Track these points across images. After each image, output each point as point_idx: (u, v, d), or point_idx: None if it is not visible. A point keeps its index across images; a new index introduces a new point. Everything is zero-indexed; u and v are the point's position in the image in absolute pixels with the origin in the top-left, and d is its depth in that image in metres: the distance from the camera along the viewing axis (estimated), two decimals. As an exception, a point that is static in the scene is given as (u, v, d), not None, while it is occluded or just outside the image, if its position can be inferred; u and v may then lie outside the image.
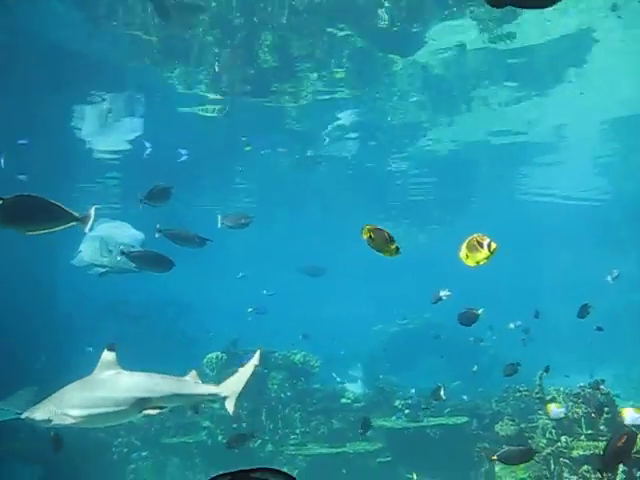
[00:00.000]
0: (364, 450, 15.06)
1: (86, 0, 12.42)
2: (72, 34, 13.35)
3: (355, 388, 17.64)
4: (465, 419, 15.62)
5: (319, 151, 22.35)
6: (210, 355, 17.45)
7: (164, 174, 20.41)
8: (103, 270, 13.54)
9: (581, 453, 11.28)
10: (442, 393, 12.36)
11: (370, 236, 6.62)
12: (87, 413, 7.11)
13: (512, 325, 16.58)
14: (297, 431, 16.12)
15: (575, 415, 12.05)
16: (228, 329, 21.64)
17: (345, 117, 19.59)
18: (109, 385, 7.28)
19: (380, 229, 6.64)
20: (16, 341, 16.86)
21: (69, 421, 7.07)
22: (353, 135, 21.24)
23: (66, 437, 15.12)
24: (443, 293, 12.40)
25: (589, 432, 11.81)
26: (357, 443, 15.39)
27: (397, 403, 16.15)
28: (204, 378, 16.79)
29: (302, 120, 19.51)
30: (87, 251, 13.44)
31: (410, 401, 16.15)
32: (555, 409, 11.12)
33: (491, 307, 30.73)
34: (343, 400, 16.65)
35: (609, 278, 17.23)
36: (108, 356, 7.49)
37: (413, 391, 16.72)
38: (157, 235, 11.60)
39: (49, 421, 7.05)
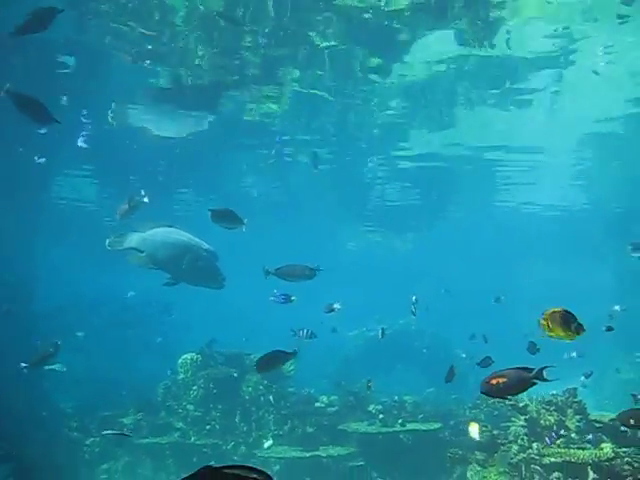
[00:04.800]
0: (337, 454, 15.05)
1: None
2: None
3: (329, 392, 17.62)
4: (438, 425, 15.67)
5: (298, 155, 22.43)
6: (185, 356, 17.41)
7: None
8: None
9: (552, 460, 11.35)
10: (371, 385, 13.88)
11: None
12: None
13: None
14: (270, 434, 16.11)
15: (547, 422, 12.15)
16: (206, 330, 21.64)
17: (325, 121, 19.69)
18: None
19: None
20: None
21: None
22: (332, 140, 21.35)
23: (37, 435, 15.08)
24: (335, 305, 12.59)
25: (561, 440, 11.91)
26: (330, 447, 15.41)
27: (371, 408, 16.18)
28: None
29: (283, 123, 19.60)
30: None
31: (382, 407, 16.18)
32: (473, 428, 11.47)
33: (468, 315, 30.92)
34: (317, 404, 16.67)
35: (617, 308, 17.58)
36: None
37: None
38: (267, 276, 11.38)
39: None
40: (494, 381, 6.53)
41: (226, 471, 2.03)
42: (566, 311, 6.82)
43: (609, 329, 13.56)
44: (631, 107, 19.00)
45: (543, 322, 6.90)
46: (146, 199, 12.71)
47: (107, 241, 12.30)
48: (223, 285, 13.18)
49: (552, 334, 6.94)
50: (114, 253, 12.45)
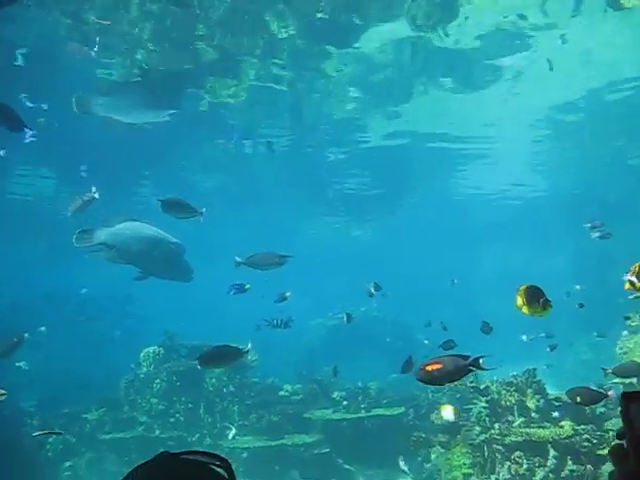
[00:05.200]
0: (302, 442, 15.11)
1: None
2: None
3: (293, 382, 17.66)
4: (402, 409, 15.83)
5: (257, 144, 22.37)
6: (147, 349, 17.31)
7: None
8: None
9: (513, 439, 11.55)
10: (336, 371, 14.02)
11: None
12: None
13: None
14: (235, 424, 16.10)
15: (508, 403, 12.34)
16: (168, 322, 21.51)
17: (282, 109, 19.67)
18: None
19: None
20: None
21: None
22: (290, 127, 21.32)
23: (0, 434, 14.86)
24: (287, 294, 12.80)
25: (521, 420, 12.11)
26: (295, 435, 15.46)
27: (335, 395, 16.27)
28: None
29: (241, 114, 19.52)
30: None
31: (346, 393, 16.27)
32: (447, 411, 11.47)
33: (428, 301, 31.17)
34: (281, 393, 16.70)
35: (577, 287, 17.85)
36: None
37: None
38: (237, 266, 11.42)
39: None
40: (429, 368, 6.52)
41: (185, 457, 2.02)
42: (534, 287, 6.91)
43: (581, 306, 13.91)
44: (586, 94, 19.34)
45: (517, 298, 7.00)
46: (96, 195, 12.64)
47: (74, 237, 12.19)
48: (191, 278, 13.32)
49: (524, 310, 7.02)
50: (73, 248, 12.34)
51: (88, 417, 16.61)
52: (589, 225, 15.16)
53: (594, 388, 9.32)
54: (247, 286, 12.48)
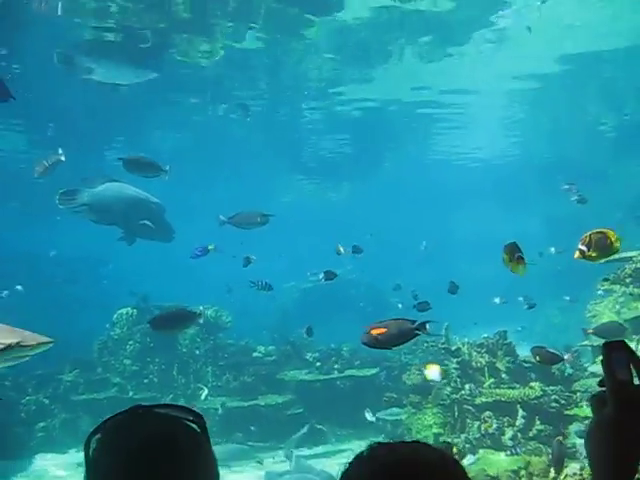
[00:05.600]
0: (275, 403, 15.26)
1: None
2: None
3: (267, 343, 17.75)
4: (374, 371, 16.01)
5: (232, 107, 22.14)
6: (120, 311, 17.27)
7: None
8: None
9: (484, 400, 11.74)
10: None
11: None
12: None
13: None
14: (209, 385, 16.19)
15: (478, 364, 12.51)
16: (141, 283, 21.45)
17: (258, 73, 19.49)
18: None
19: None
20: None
21: None
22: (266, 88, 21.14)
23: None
24: (252, 257, 13.18)
25: (491, 381, 12.30)
26: (268, 396, 15.59)
27: (308, 356, 16.39)
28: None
29: (217, 74, 19.28)
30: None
31: (320, 354, 16.40)
32: (433, 370, 11.41)
33: (403, 264, 31.31)
34: (255, 354, 16.77)
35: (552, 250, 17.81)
36: None
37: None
38: (222, 225, 11.71)
39: None
40: (375, 332, 6.54)
41: (158, 410, 2.01)
42: (514, 243, 7.00)
43: (531, 307, 14.21)
44: (561, 60, 19.36)
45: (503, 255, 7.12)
46: (63, 157, 12.56)
47: (57, 198, 12.17)
48: (173, 238, 13.46)
49: (507, 264, 7.11)
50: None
51: (62, 378, 16.60)
52: (567, 187, 15.20)
53: (552, 350, 9.63)
54: (210, 247, 12.56)
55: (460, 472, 1.77)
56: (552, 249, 17.45)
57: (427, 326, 6.50)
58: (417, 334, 6.51)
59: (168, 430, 1.92)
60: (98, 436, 1.93)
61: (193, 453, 1.90)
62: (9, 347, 5.76)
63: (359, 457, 1.80)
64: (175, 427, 1.94)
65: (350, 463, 1.80)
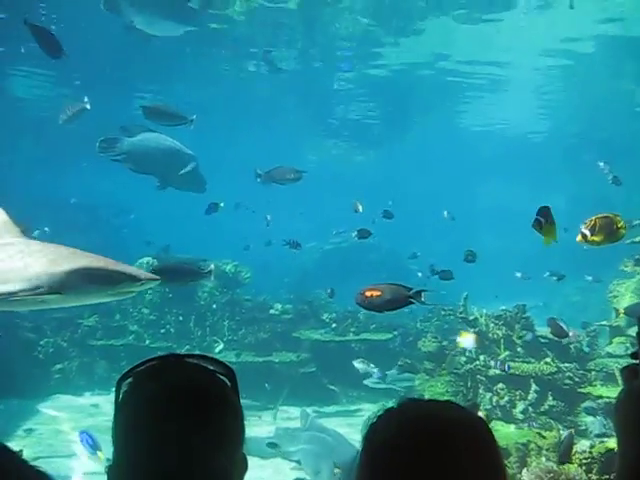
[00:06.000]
0: (289, 360, 15.37)
1: None
2: None
3: (284, 301, 17.80)
4: (389, 335, 16.07)
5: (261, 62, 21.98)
6: (141, 260, 17.36)
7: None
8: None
9: (497, 372, 11.75)
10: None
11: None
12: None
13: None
14: (224, 339, 16.32)
15: (495, 336, 12.51)
16: (164, 235, 21.55)
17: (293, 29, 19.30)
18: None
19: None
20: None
21: None
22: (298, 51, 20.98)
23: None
24: (269, 217, 13.10)
25: (507, 353, 12.30)
26: (283, 353, 15.71)
27: (325, 317, 16.44)
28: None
29: (251, 32, 19.14)
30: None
31: (336, 316, 16.44)
32: (467, 338, 11.33)
33: (425, 232, 31.20)
34: (272, 311, 16.83)
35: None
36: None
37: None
38: (259, 180, 12.11)
39: None
40: (368, 293, 6.50)
41: (191, 360, 2.02)
42: (547, 207, 6.84)
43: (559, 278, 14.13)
44: (599, 28, 18.96)
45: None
46: (88, 105, 12.65)
47: (97, 145, 12.35)
48: (205, 189, 13.75)
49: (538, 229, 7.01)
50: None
51: (81, 322, 16.79)
52: (603, 165, 14.96)
53: (563, 325, 9.97)
54: (221, 204, 12.71)
55: (487, 431, 1.77)
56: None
57: (422, 295, 6.44)
58: (411, 302, 6.45)
59: (198, 380, 1.94)
60: (129, 380, 1.95)
61: (221, 404, 1.92)
62: (122, 279, 5.74)
63: (388, 410, 1.80)
64: (206, 377, 1.96)
65: (379, 416, 1.80)
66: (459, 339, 11.40)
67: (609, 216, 7.29)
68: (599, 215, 7.27)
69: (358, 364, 13.03)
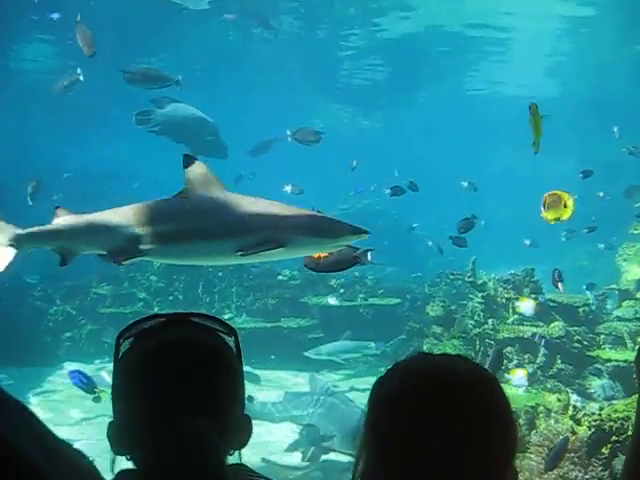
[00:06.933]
0: (297, 326, 15.42)
1: None
2: None
3: (292, 267, 17.76)
4: (397, 300, 16.07)
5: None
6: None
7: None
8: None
9: (505, 336, 11.75)
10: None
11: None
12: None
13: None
14: (233, 305, 16.36)
15: (503, 300, 12.48)
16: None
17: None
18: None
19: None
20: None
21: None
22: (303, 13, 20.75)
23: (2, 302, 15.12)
24: (288, 188, 13.91)
25: (515, 317, 12.27)
26: (291, 319, 15.75)
27: (332, 282, 16.41)
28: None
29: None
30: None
31: (344, 281, 16.42)
32: (527, 304, 11.25)
33: (433, 198, 31.17)
34: (280, 277, 16.81)
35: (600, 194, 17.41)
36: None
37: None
38: (288, 138, 12.84)
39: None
40: (316, 255, 6.52)
41: (196, 320, 2.00)
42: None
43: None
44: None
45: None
46: (81, 77, 13.20)
47: (133, 117, 13.00)
48: (227, 155, 14.44)
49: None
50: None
51: (90, 290, 16.86)
52: (616, 130, 14.89)
53: (558, 280, 10.36)
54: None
55: (495, 383, 1.74)
56: (600, 194, 17.16)
57: (369, 255, 6.44)
58: (358, 262, 6.45)
59: (199, 337, 1.93)
60: (131, 339, 1.92)
61: (220, 361, 1.91)
62: (343, 232, 5.85)
63: (396, 364, 1.78)
64: (212, 339, 1.95)
65: (387, 370, 1.78)
66: (518, 303, 11.40)
67: (557, 194, 7.62)
68: (550, 192, 7.63)
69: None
